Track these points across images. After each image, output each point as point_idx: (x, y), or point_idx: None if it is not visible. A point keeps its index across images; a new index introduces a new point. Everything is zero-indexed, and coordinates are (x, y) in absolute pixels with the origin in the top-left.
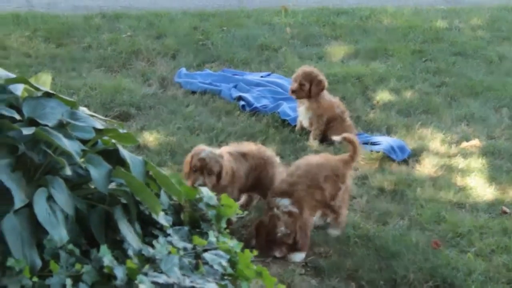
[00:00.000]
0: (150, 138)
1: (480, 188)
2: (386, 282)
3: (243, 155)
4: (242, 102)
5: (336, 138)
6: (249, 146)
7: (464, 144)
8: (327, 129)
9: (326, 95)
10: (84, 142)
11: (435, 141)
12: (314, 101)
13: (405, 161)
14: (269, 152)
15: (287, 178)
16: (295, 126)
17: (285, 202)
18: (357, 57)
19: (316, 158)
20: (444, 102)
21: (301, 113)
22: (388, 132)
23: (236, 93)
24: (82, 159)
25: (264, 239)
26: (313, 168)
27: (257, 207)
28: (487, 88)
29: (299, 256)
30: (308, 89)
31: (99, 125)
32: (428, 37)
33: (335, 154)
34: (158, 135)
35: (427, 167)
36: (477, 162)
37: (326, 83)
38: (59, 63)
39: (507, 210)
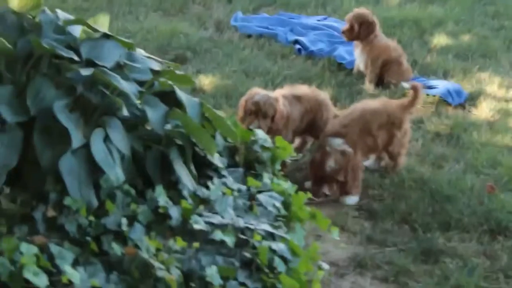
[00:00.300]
0: (206, 81)
1: None
2: (440, 225)
3: (298, 98)
4: (298, 46)
5: (405, 84)
6: (303, 89)
7: None
8: (383, 72)
9: (382, 37)
10: (141, 83)
11: (493, 85)
12: (368, 43)
13: (461, 105)
14: (324, 94)
15: (341, 120)
16: (351, 69)
17: (337, 141)
18: (414, 0)
19: (373, 103)
20: (503, 46)
21: (357, 56)
22: (445, 76)
23: (292, 37)
24: (139, 100)
25: (314, 176)
26: (368, 114)
27: (311, 150)
28: None
29: (352, 199)
30: (358, 30)
31: (156, 67)
32: None
33: (391, 98)
34: (214, 78)
35: (484, 111)
36: None
37: (377, 25)
38: (116, 7)
39: None
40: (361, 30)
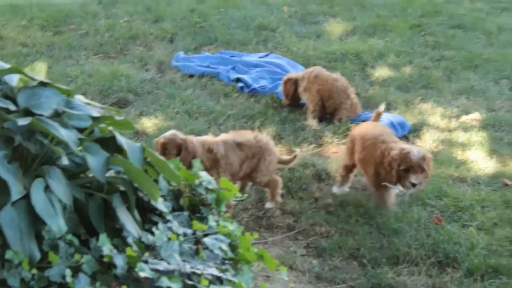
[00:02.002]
0: (148, 123)
1: (481, 161)
2: (388, 260)
3: (239, 145)
4: (240, 84)
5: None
6: (246, 135)
7: (464, 117)
8: (331, 103)
9: (320, 70)
10: (80, 130)
11: (435, 115)
12: (309, 80)
13: (405, 137)
14: (266, 139)
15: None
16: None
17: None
18: (355, 34)
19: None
20: (444, 76)
21: (300, 93)
22: (388, 108)
23: (234, 75)
24: (79, 148)
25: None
26: None
27: (257, 189)
28: (487, 60)
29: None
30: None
31: (96, 113)
32: (426, 11)
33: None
34: (157, 120)
35: (427, 142)
36: (477, 135)
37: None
38: (57, 51)
39: (509, 183)
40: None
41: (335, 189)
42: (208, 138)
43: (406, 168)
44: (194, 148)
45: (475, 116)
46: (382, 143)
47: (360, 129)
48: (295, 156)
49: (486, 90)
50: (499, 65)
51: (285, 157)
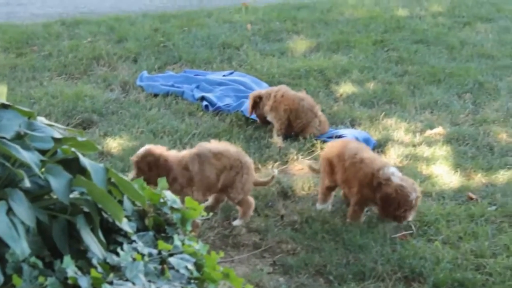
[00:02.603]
0: (113, 144)
1: (446, 175)
2: (354, 276)
3: (216, 155)
4: (205, 102)
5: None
6: (226, 147)
7: (428, 132)
8: (298, 123)
9: (286, 90)
10: (43, 152)
11: (399, 130)
12: (273, 99)
13: None
14: (248, 158)
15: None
16: (259, 123)
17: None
18: (319, 50)
19: None
20: (407, 91)
21: (265, 111)
22: (352, 124)
23: (198, 94)
24: (42, 170)
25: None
26: None
27: (223, 207)
28: (450, 74)
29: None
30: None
31: (58, 134)
32: (389, 26)
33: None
34: (122, 140)
35: (392, 157)
36: (442, 150)
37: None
38: (19, 73)
39: (473, 196)
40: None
41: (318, 206)
42: (186, 153)
43: (405, 210)
44: (168, 165)
45: (439, 131)
46: (361, 162)
47: (334, 150)
48: (272, 177)
49: (450, 104)
50: (462, 79)
51: (262, 179)
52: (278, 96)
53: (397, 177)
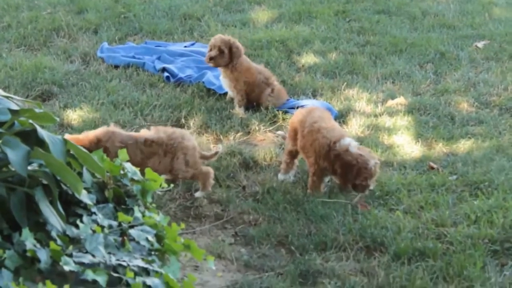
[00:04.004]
0: (73, 115)
1: (407, 145)
2: (316, 246)
3: (145, 142)
4: (166, 74)
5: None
6: (157, 133)
7: (390, 102)
8: (253, 96)
9: (244, 60)
10: (0, 124)
11: (361, 101)
12: (229, 67)
13: None
14: (183, 137)
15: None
16: (220, 95)
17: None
18: (281, 21)
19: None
20: (369, 61)
21: (222, 82)
22: (314, 95)
23: (159, 65)
24: None
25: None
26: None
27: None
28: (411, 44)
29: None
30: (229, 56)
31: (15, 106)
32: None
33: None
34: (82, 112)
35: (354, 127)
36: (403, 120)
37: (243, 50)
38: None
39: (434, 166)
40: (231, 55)
41: (280, 176)
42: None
43: (365, 178)
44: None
45: (400, 101)
46: (318, 132)
47: (298, 116)
48: (216, 153)
49: (411, 75)
50: (423, 49)
51: (206, 152)
52: (242, 68)
53: (354, 147)
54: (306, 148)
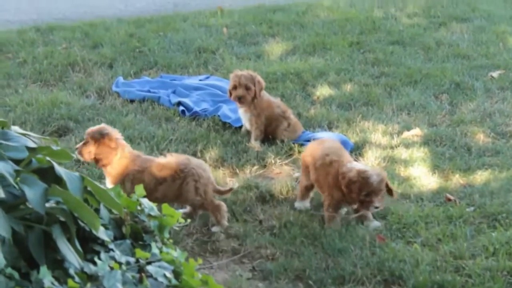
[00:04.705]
0: None
1: (424, 177)
2: (334, 280)
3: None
4: (181, 108)
5: None
6: (169, 158)
7: (406, 134)
8: (270, 129)
9: (264, 94)
10: (17, 162)
11: (377, 133)
12: (253, 102)
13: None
14: (193, 164)
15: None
16: (236, 128)
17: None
18: (295, 53)
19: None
20: (384, 92)
21: (241, 115)
22: (330, 127)
23: (175, 99)
24: (17, 180)
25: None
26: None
27: (202, 214)
28: (426, 75)
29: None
30: (254, 91)
31: (32, 144)
32: (365, 28)
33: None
34: None
35: (370, 159)
36: (419, 151)
37: (264, 84)
38: None
39: (451, 197)
40: (256, 91)
41: (296, 204)
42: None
43: (368, 193)
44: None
45: (416, 132)
46: (330, 165)
47: (310, 149)
48: (231, 189)
49: (427, 105)
50: (438, 79)
51: (220, 187)
52: (263, 104)
53: (360, 165)
54: (320, 181)
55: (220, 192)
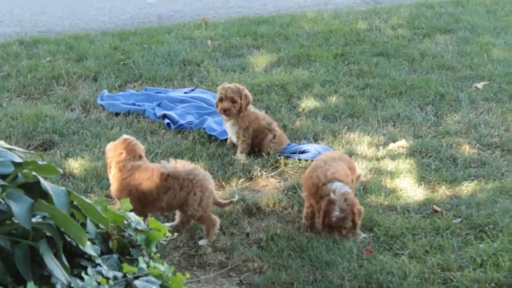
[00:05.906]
0: (75, 164)
1: (410, 188)
2: None
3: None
4: (167, 120)
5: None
6: (180, 166)
7: (391, 145)
8: (256, 142)
9: (250, 107)
10: (3, 177)
11: (363, 144)
12: (240, 116)
13: None
14: (202, 175)
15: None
16: (222, 140)
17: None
18: (280, 65)
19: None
20: (369, 104)
21: (228, 128)
22: (315, 139)
23: (160, 112)
24: (2, 195)
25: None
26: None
27: (189, 227)
28: (411, 87)
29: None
30: (240, 104)
31: (18, 159)
32: (349, 39)
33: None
34: (83, 161)
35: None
36: (405, 163)
37: (251, 98)
38: None
39: (438, 209)
40: (242, 104)
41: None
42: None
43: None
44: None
45: (402, 144)
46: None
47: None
48: (231, 202)
49: (412, 117)
50: (423, 91)
51: (221, 200)
52: (250, 117)
53: (338, 193)
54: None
55: (220, 205)
